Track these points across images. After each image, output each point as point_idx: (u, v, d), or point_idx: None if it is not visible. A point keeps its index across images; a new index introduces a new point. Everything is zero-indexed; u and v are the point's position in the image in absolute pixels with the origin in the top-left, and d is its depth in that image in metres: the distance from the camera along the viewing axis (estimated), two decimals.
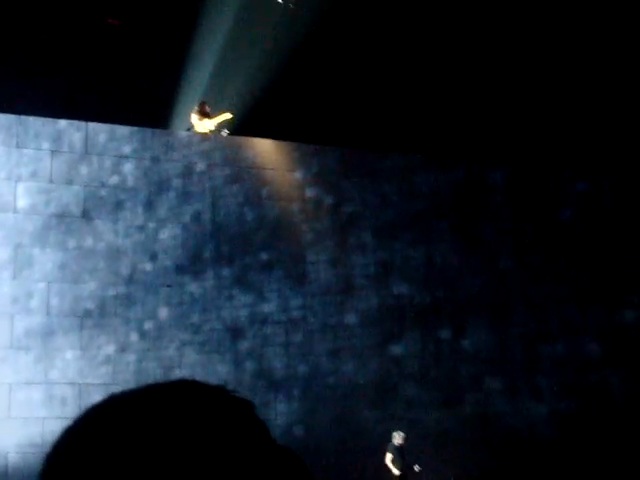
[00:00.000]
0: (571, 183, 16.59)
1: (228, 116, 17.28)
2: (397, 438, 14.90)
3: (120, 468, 0.91)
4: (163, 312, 16.20)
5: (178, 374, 15.65)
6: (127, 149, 16.73)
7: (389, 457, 14.89)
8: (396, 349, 16.21)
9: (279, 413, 15.95)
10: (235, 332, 16.27)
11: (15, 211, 16.10)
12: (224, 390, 1.03)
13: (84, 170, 16.49)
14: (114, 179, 16.58)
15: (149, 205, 16.57)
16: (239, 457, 0.98)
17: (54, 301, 15.93)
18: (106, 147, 16.68)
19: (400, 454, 14.92)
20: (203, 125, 17.24)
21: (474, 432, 15.58)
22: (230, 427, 0.99)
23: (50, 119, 16.57)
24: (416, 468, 14.79)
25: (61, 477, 0.96)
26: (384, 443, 14.97)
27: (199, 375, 15.85)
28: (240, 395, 1.03)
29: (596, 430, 15.20)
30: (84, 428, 0.98)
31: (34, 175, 16.27)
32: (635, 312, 15.89)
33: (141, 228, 16.45)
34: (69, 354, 15.74)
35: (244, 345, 16.23)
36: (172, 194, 16.68)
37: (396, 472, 14.82)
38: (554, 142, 16.84)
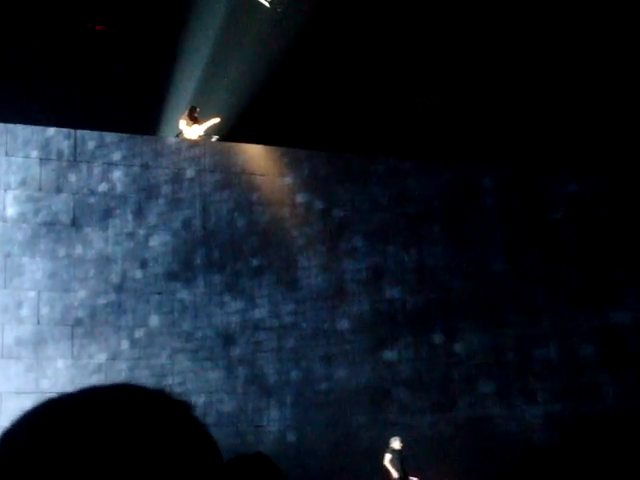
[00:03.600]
0: (561, 185, 16.55)
1: (216, 121, 17.23)
2: (395, 443, 14.86)
3: (54, 473, 0.88)
4: (154, 320, 16.14)
5: (170, 382, 15.60)
6: (116, 156, 16.68)
7: (387, 457, 14.84)
8: (388, 354, 16.16)
9: (272, 419, 15.90)
10: (227, 338, 16.22)
11: (4, 220, 16.04)
12: (162, 393, 0.99)
13: (73, 178, 16.44)
14: (103, 186, 16.53)
15: (139, 212, 16.52)
16: (178, 460, 0.94)
17: (44, 310, 15.87)
18: (95, 154, 16.63)
19: (398, 458, 14.89)
20: (192, 131, 17.19)
21: (468, 436, 15.52)
22: (169, 430, 0.95)
23: (38, 127, 16.53)
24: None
25: None
26: (377, 448, 14.91)
27: (191, 382, 15.81)
28: (178, 397, 1.00)
29: (590, 433, 15.14)
30: (16, 434, 0.94)
31: (23, 183, 16.22)
32: (628, 314, 15.84)
33: (131, 235, 16.40)
34: (60, 363, 15.68)
35: (236, 351, 16.17)
36: (162, 201, 16.64)
37: (395, 474, 14.79)
38: (544, 144, 16.81)
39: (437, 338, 16.15)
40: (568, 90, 17.19)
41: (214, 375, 16.07)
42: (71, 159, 16.49)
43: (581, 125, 16.89)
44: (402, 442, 14.88)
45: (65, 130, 16.60)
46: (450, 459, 15.10)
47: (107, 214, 16.41)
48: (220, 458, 0.99)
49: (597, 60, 17.07)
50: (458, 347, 16.10)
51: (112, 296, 16.12)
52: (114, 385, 0.98)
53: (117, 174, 16.63)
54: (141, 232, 16.46)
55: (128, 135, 16.87)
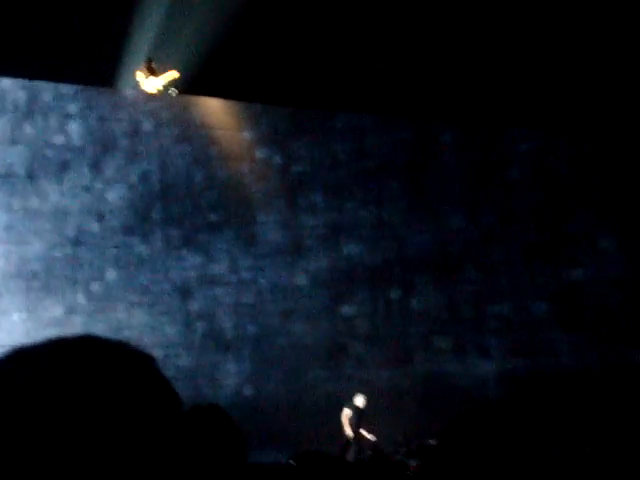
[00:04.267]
0: (519, 143, 16.64)
1: (175, 75, 17.04)
2: (358, 400, 14.81)
3: (10, 427, 0.86)
4: (111, 273, 16.06)
5: (127, 335, 15.55)
6: (73, 108, 16.46)
7: (345, 413, 14.80)
8: (346, 309, 16.24)
9: (229, 373, 15.95)
10: (184, 293, 16.19)
11: None
12: (122, 344, 0.98)
13: (29, 129, 16.20)
14: (59, 139, 16.32)
15: (95, 165, 16.35)
16: (141, 413, 0.93)
17: None
18: (51, 106, 16.39)
19: (357, 416, 14.84)
20: (150, 84, 16.99)
21: (423, 390, 15.70)
22: (131, 382, 0.94)
23: None
24: (371, 437, 14.85)
25: None
26: (334, 402, 15.00)
27: (148, 336, 15.77)
28: (140, 349, 0.99)
29: (543, 389, 15.37)
30: None
31: None
32: (582, 271, 16.04)
33: (87, 188, 16.24)
34: (15, 316, 15.56)
35: (194, 306, 16.16)
36: (119, 154, 16.47)
37: (348, 431, 14.81)
38: (502, 102, 16.85)
39: (394, 294, 16.26)
40: (528, 48, 17.21)
41: (171, 329, 16.05)
42: (26, 110, 16.24)
43: (540, 83, 16.94)
44: (366, 399, 14.79)
45: (20, 81, 16.33)
46: (406, 413, 15.27)
47: (63, 167, 16.22)
48: (181, 408, 0.98)
49: (558, 17, 17.09)
50: (415, 303, 16.22)
51: (68, 249, 15.99)
52: (72, 337, 0.97)
53: (73, 126, 16.42)
54: (98, 185, 16.30)
55: (85, 87, 16.64)
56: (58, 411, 0.86)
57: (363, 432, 14.91)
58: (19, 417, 0.85)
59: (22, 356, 0.94)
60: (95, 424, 0.86)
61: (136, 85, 17.21)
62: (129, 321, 15.93)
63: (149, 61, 17.15)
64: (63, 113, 16.38)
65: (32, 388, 0.87)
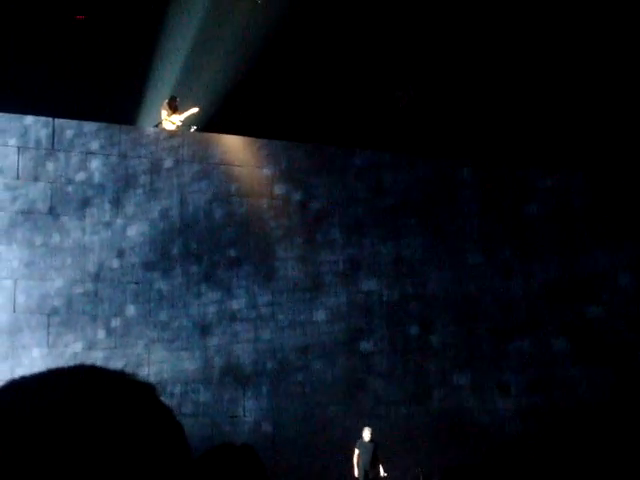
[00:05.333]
0: (538, 179, 16.66)
1: (195, 110, 17.21)
2: (365, 433, 14.78)
3: (14, 457, 0.89)
4: (130, 309, 16.13)
5: (146, 371, 15.60)
6: (94, 145, 16.63)
7: (356, 453, 14.79)
8: (364, 345, 16.23)
9: (248, 409, 15.94)
10: (203, 329, 16.24)
11: None
12: (124, 375, 1.01)
13: (51, 166, 16.38)
14: (81, 175, 16.48)
15: (116, 202, 16.49)
16: (144, 442, 0.96)
17: (21, 298, 15.82)
18: (73, 143, 16.57)
19: (368, 451, 14.75)
20: (171, 121, 17.16)
21: (442, 428, 15.63)
22: (133, 412, 0.97)
23: (16, 115, 16.45)
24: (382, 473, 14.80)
25: None
26: (352, 438, 14.96)
27: (167, 372, 15.81)
28: (141, 379, 1.02)
29: (563, 425, 15.28)
30: None
31: (0, 171, 16.15)
32: (602, 308, 15.98)
33: (108, 225, 16.37)
34: (36, 352, 15.64)
35: (213, 342, 16.19)
36: (140, 191, 16.61)
37: (356, 472, 14.72)
38: (521, 139, 16.90)
39: (413, 330, 16.24)
40: (544, 85, 17.28)
41: (190, 365, 16.08)
42: (49, 148, 16.43)
43: (557, 120, 16.99)
44: (372, 432, 14.75)
45: (43, 118, 16.54)
46: (424, 450, 15.20)
47: (85, 203, 16.37)
48: (185, 441, 1.00)
49: (571, 56, 17.17)
50: (433, 339, 16.19)
51: (89, 285, 16.09)
52: (77, 367, 1.00)
53: (95, 163, 16.59)
54: (118, 222, 16.43)
55: (106, 124, 16.83)
56: (67, 442, 0.88)
57: (380, 469, 14.78)
58: (28, 449, 0.87)
59: (34, 387, 0.95)
60: (105, 461, 0.88)
61: (158, 122, 17.38)
62: (148, 357, 15.98)
63: (173, 99, 17.34)
64: (85, 150, 16.56)
65: (42, 421, 0.89)
